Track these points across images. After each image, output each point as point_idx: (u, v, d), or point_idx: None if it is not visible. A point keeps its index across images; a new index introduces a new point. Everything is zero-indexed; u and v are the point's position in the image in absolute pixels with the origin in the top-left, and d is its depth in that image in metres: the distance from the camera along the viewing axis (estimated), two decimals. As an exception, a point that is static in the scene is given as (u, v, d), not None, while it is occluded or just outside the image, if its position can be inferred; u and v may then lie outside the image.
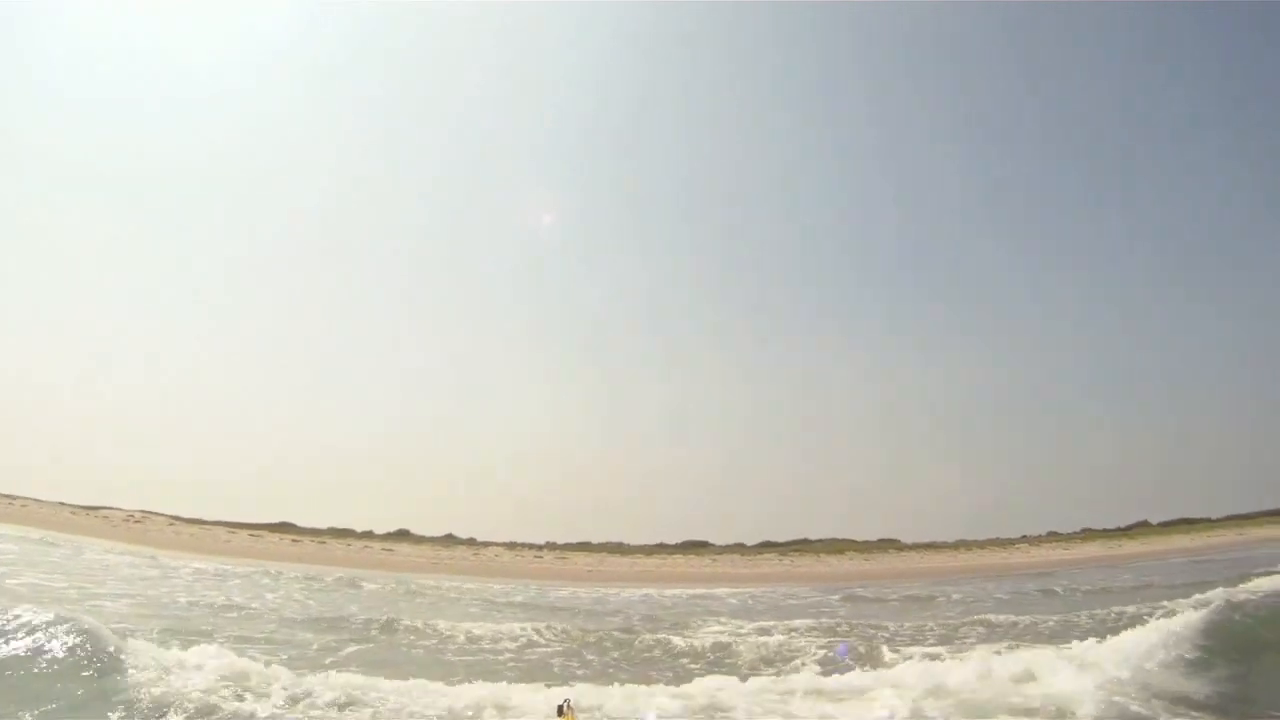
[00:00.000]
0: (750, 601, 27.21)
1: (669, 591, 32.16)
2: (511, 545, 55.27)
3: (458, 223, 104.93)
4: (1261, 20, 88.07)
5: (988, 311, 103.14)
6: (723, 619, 19.11)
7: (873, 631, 16.24)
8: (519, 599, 26.61)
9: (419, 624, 15.81)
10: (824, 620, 18.15)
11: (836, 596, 28.08)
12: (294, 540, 50.60)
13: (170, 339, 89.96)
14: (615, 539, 59.64)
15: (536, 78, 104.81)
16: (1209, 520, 71.66)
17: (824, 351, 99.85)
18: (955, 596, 25.61)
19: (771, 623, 17.79)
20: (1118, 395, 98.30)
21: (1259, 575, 17.88)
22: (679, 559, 56.20)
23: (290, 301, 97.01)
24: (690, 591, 32.31)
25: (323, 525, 55.40)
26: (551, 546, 56.37)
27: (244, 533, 51.28)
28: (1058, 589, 26.80)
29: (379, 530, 57.23)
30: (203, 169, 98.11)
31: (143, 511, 53.16)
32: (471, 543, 56.51)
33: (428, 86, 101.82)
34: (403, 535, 57.11)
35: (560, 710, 5.70)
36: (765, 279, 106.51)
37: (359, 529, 56.47)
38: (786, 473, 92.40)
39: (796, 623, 17.52)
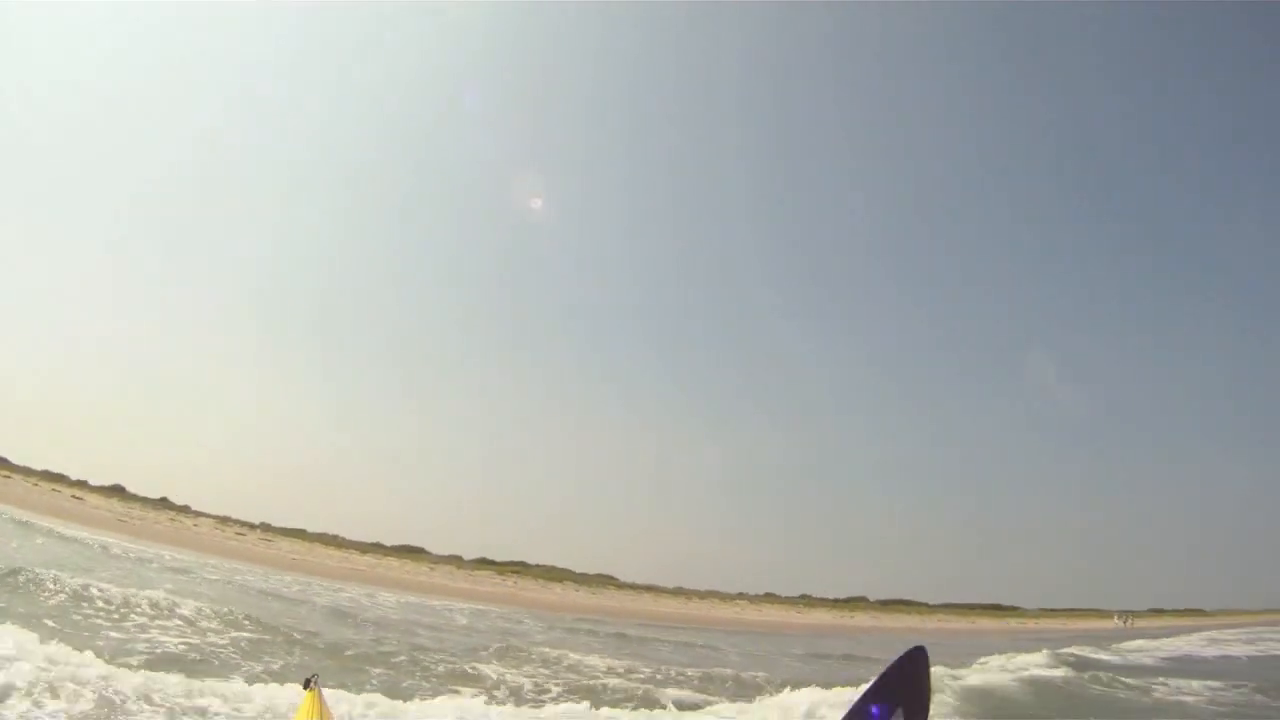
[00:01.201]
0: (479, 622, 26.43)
1: (385, 596, 31.24)
2: (225, 520, 51.44)
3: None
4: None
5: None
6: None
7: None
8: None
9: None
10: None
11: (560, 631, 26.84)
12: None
13: None
14: (333, 531, 57.65)
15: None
16: (927, 605, 78.84)
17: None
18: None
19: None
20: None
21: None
22: (394, 562, 55.38)
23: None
24: (407, 599, 31.60)
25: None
26: (266, 528, 53.20)
27: None
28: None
29: (94, 481, 51.30)
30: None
31: None
32: (186, 510, 52.08)
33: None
34: (117, 490, 51.45)
35: (307, 684, 5.38)
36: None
37: (73, 475, 50.29)
38: (514, 491, 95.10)
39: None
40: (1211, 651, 33.41)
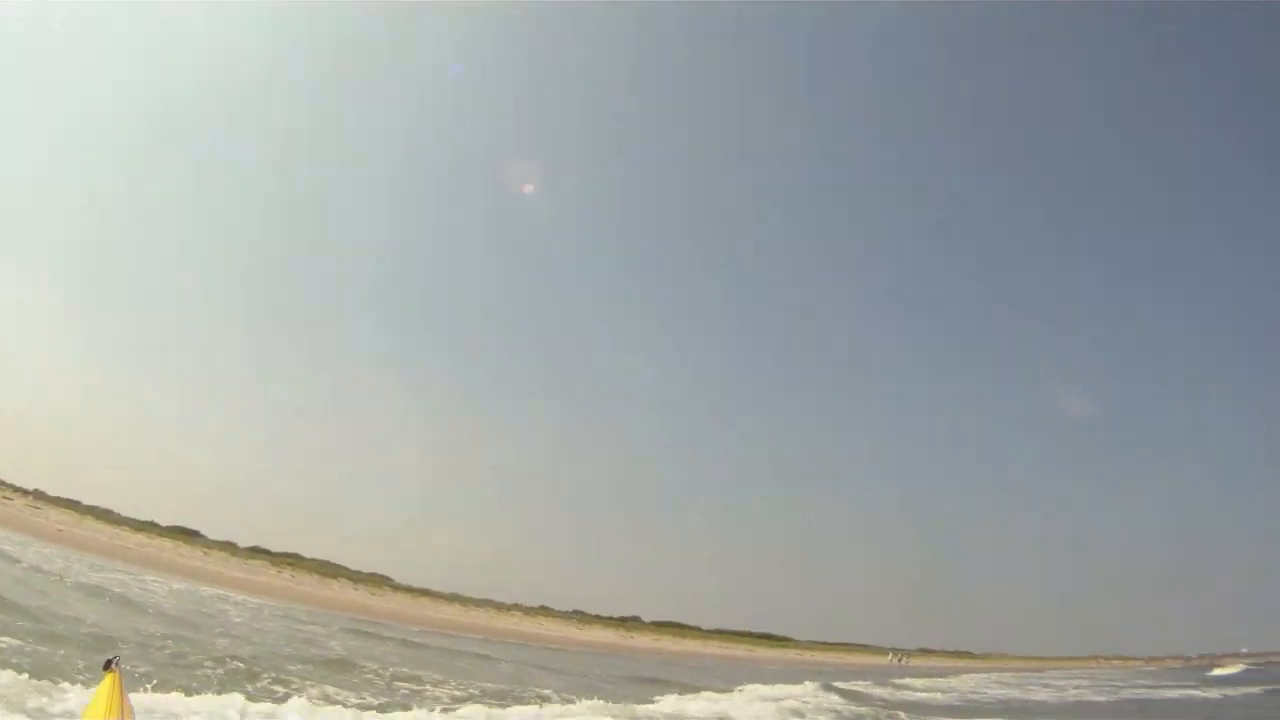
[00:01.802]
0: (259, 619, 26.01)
1: (152, 580, 30.67)
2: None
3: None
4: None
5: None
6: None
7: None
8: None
9: None
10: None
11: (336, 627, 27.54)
12: None
13: None
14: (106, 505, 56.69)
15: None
16: (698, 630, 79.94)
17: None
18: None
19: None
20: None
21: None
22: (166, 543, 55.55)
23: None
24: (176, 585, 31.12)
25: None
26: (39, 495, 51.71)
27: None
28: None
29: None
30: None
31: None
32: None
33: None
34: None
35: (107, 665, 5.11)
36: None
37: None
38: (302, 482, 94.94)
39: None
40: (996, 692, 35.20)
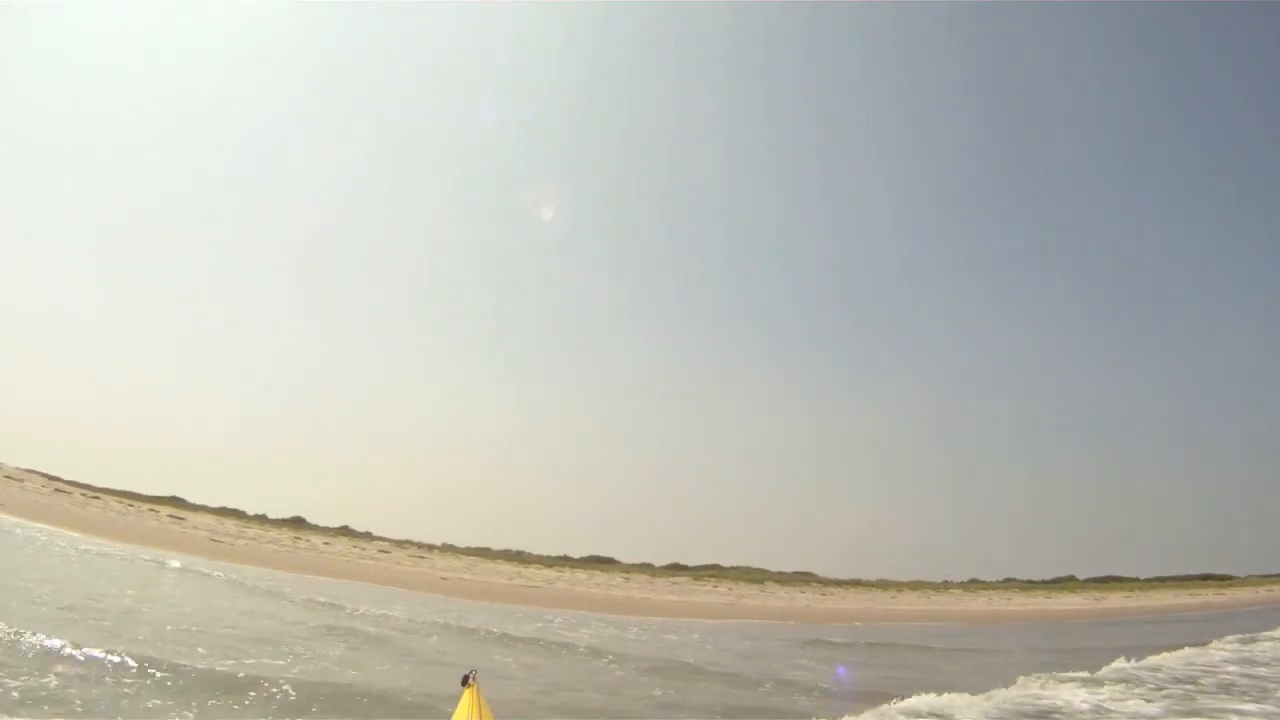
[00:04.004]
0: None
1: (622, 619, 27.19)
2: (403, 543, 53.38)
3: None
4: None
5: (926, 354, 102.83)
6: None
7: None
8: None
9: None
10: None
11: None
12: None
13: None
14: (517, 547, 57.90)
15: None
16: (1139, 580, 71.05)
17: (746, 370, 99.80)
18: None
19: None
20: (1054, 446, 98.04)
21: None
22: (580, 574, 54.18)
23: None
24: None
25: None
26: (448, 549, 54.48)
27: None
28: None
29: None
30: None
31: None
32: (368, 536, 54.89)
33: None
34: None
35: (465, 680, 5.48)
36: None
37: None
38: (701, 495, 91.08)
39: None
40: None
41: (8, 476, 48.60)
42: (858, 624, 34.15)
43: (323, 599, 21.14)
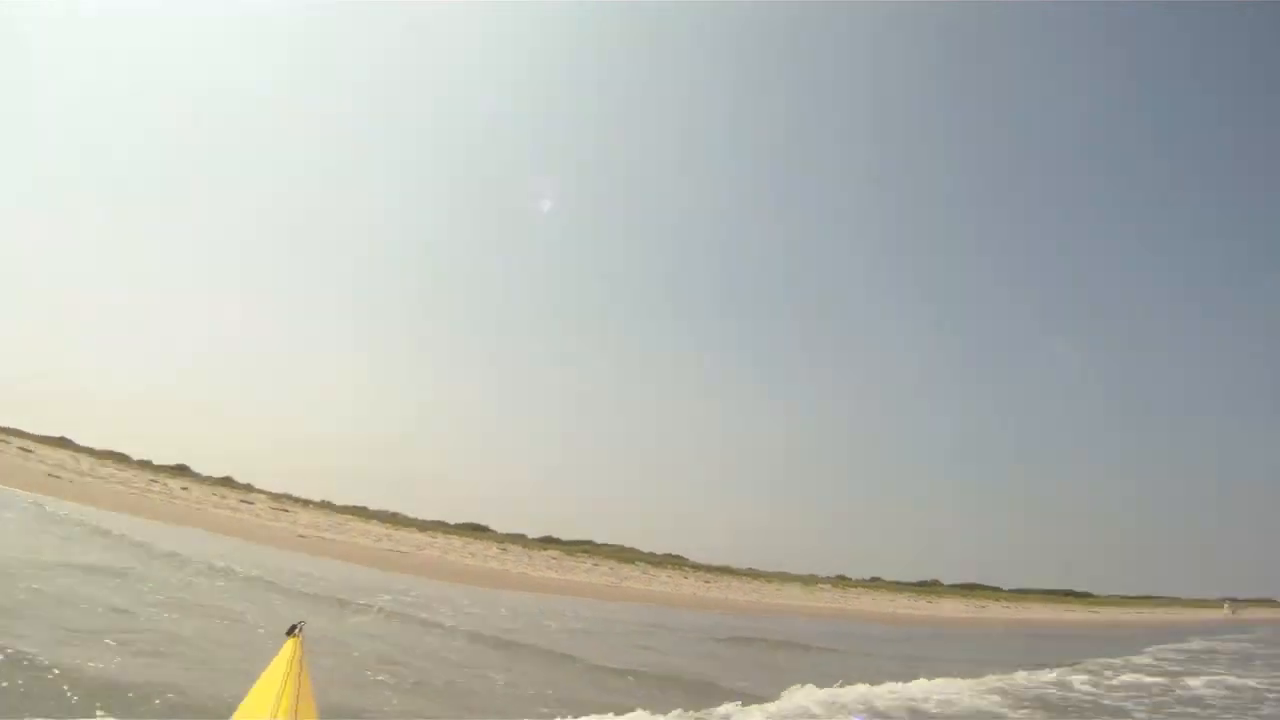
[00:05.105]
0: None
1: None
2: (279, 497, 54.17)
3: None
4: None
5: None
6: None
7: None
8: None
9: None
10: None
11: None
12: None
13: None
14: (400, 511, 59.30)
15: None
16: (1002, 590, 75.29)
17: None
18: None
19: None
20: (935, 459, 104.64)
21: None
22: (457, 540, 55.79)
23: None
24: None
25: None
26: (325, 505, 55.73)
27: None
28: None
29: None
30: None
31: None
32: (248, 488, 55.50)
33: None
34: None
35: (291, 630, 5.10)
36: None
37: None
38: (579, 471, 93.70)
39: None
40: None
41: None
42: (801, 620, 33.01)
43: (138, 539, 18.63)
